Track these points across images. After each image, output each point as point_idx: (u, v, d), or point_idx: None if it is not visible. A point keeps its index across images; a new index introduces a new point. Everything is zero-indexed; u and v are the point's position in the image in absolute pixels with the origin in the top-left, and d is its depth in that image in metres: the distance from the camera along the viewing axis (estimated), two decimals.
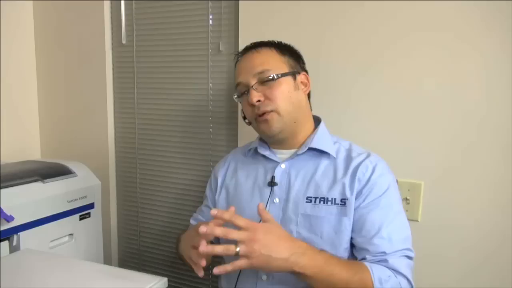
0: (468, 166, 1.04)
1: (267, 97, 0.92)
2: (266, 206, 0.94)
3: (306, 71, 1.02)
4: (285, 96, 0.93)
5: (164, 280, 0.82)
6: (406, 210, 1.09)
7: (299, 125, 0.97)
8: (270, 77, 0.92)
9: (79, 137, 1.58)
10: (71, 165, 1.30)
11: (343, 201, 0.89)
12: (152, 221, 1.52)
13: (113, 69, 1.52)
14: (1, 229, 1.01)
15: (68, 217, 1.21)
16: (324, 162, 0.94)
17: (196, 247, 0.78)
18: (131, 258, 1.59)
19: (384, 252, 0.83)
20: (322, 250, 0.81)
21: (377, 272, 0.80)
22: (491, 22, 0.99)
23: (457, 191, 1.06)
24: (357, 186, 0.89)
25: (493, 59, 0.99)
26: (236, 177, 1.03)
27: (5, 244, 1.03)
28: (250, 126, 1.02)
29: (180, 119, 1.42)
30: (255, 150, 1.02)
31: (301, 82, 0.98)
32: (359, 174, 0.89)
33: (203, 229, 0.73)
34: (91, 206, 1.30)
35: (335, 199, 0.89)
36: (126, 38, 1.48)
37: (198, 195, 1.39)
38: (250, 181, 1.00)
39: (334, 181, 0.91)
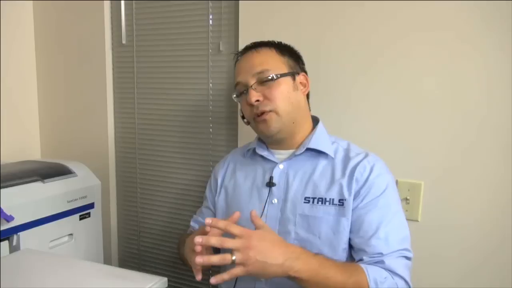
0: (468, 166, 1.04)
1: (266, 97, 0.92)
2: (265, 206, 0.94)
3: (306, 72, 1.02)
4: (284, 97, 0.93)
5: (164, 280, 0.82)
6: (406, 210, 1.09)
7: (298, 125, 0.97)
8: (269, 77, 0.92)
9: (79, 137, 1.58)
10: (71, 165, 1.30)
11: (341, 202, 0.89)
12: (152, 221, 1.52)
13: (113, 69, 1.52)
14: (1, 229, 1.01)
15: (68, 217, 1.21)
16: (322, 162, 0.94)
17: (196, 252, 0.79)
18: (131, 258, 1.59)
19: (381, 253, 0.83)
20: (317, 254, 0.81)
21: (372, 273, 0.80)
22: (491, 22, 0.99)
23: (457, 191, 1.06)
24: (355, 187, 0.89)
25: (493, 59, 0.99)
26: (235, 178, 1.03)
27: (5, 244, 1.03)
28: (250, 126, 1.02)
29: (180, 119, 1.42)
30: (254, 150, 1.02)
31: (300, 82, 0.98)
32: (357, 174, 0.89)
33: (198, 239, 0.73)
34: (91, 206, 1.30)
35: (333, 199, 0.89)
36: (126, 38, 1.48)
37: (198, 195, 1.39)
38: (249, 182, 1.00)
39: (332, 181, 0.91)
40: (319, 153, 0.95)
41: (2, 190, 1.04)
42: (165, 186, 1.48)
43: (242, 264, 0.72)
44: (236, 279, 0.92)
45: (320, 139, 0.96)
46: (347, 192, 0.89)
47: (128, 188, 1.56)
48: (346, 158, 0.93)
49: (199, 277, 0.81)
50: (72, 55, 1.56)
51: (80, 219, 1.26)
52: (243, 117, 1.02)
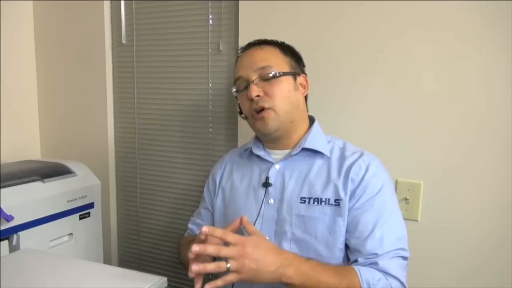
0: (468, 166, 1.04)
1: (266, 94, 0.93)
2: (261, 207, 0.94)
3: (305, 74, 1.02)
4: (284, 95, 0.93)
5: (164, 280, 0.82)
6: (406, 210, 1.09)
7: (295, 125, 0.97)
8: (271, 74, 0.93)
9: (79, 137, 1.58)
10: (71, 165, 1.30)
11: (337, 202, 0.88)
12: (152, 221, 1.52)
13: (113, 69, 1.52)
14: (1, 228, 1.01)
15: (67, 217, 1.21)
16: (318, 162, 0.94)
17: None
18: (131, 258, 1.59)
19: (376, 254, 0.83)
20: (309, 259, 0.81)
21: (365, 275, 0.80)
22: (491, 22, 0.99)
23: (457, 191, 1.06)
24: (350, 187, 0.89)
25: (493, 59, 0.99)
26: (232, 179, 1.04)
27: (5, 243, 1.03)
28: (247, 123, 1.01)
29: (180, 119, 1.42)
30: (251, 151, 1.02)
31: (300, 84, 0.99)
32: (352, 174, 0.89)
33: (196, 248, 0.74)
34: (91, 205, 1.30)
35: (329, 199, 0.89)
36: (126, 38, 1.48)
37: (198, 195, 1.38)
38: (245, 183, 1.00)
39: (328, 181, 0.91)
40: (315, 152, 0.95)
41: (2, 190, 1.04)
42: (165, 186, 1.48)
43: (236, 271, 0.73)
44: (233, 285, 0.93)
45: (316, 139, 0.96)
46: (342, 192, 0.89)
47: (128, 188, 1.56)
48: (342, 158, 0.93)
49: (198, 286, 0.81)
50: (72, 55, 1.56)
51: (80, 219, 1.26)
52: (240, 112, 1.02)
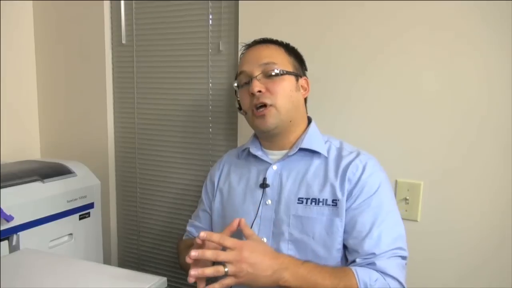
0: (468, 166, 1.04)
1: (268, 90, 0.93)
2: (259, 208, 0.94)
3: (307, 77, 1.02)
4: (286, 93, 0.93)
5: (164, 280, 0.83)
6: (405, 210, 1.09)
7: (294, 125, 0.97)
8: (275, 72, 0.93)
9: (79, 137, 1.58)
10: (70, 165, 1.30)
11: (335, 202, 0.89)
12: (152, 221, 1.52)
13: (113, 69, 1.52)
14: (1, 229, 1.01)
15: (67, 217, 1.21)
16: (316, 162, 0.94)
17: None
18: (131, 258, 1.59)
19: (374, 254, 0.83)
20: (306, 261, 0.82)
21: (362, 276, 0.80)
22: (491, 22, 0.99)
23: (457, 191, 1.05)
24: (347, 187, 0.89)
25: (493, 59, 0.99)
26: (229, 180, 1.04)
27: (4, 244, 1.03)
28: (246, 119, 1.01)
29: (180, 119, 1.42)
30: (248, 151, 1.02)
31: (302, 85, 0.99)
32: (349, 174, 0.89)
33: (194, 253, 0.75)
34: (91, 206, 1.30)
35: (326, 199, 0.89)
36: (126, 38, 1.48)
37: (198, 195, 1.37)
38: (243, 184, 1.00)
39: (325, 181, 0.91)
40: (313, 152, 0.95)
41: (2, 190, 1.04)
42: (164, 186, 1.48)
43: (234, 275, 0.74)
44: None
45: (313, 139, 0.96)
46: (340, 192, 0.89)
47: (127, 188, 1.56)
48: (339, 157, 0.93)
49: (201, 287, 0.81)
50: (72, 55, 1.56)
51: (80, 219, 1.26)
52: (239, 108, 1.02)
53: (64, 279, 0.83)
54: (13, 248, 1.05)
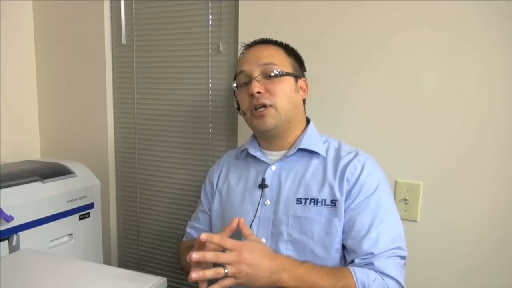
0: (468, 167, 1.04)
1: (267, 91, 0.93)
2: (257, 208, 0.94)
3: (306, 79, 1.03)
4: (285, 94, 0.93)
5: (164, 280, 0.83)
6: (405, 211, 1.09)
7: (293, 125, 0.97)
8: (274, 73, 0.93)
9: (79, 137, 1.58)
10: (70, 165, 1.30)
11: (333, 202, 0.89)
12: (151, 221, 1.52)
13: (112, 69, 1.52)
14: (1, 229, 1.01)
15: (67, 217, 1.21)
16: (314, 163, 0.94)
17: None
18: (131, 258, 1.59)
19: (372, 254, 0.83)
20: (304, 262, 0.82)
21: (360, 276, 0.80)
22: (491, 22, 0.99)
23: (457, 191, 1.05)
24: (346, 187, 0.89)
25: (493, 59, 0.99)
26: (228, 181, 1.04)
27: (4, 244, 1.03)
28: (244, 119, 1.01)
29: (180, 119, 1.42)
30: (247, 152, 1.02)
31: (301, 87, 1.00)
32: (347, 174, 0.89)
33: (196, 256, 0.75)
34: (91, 206, 1.30)
35: (325, 200, 0.89)
36: (126, 38, 1.48)
37: (198, 195, 1.37)
38: (242, 184, 1.00)
39: (324, 182, 0.91)
40: (311, 153, 0.95)
41: (2, 190, 1.04)
42: (164, 186, 1.48)
43: (233, 276, 0.75)
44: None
45: (311, 139, 0.96)
46: (338, 192, 0.89)
47: (127, 188, 1.56)
48: (337, 158, 0.93)
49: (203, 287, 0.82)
50: (72, 55, 1.56)
51: (80, 219, 1.26)
52: (238, 108, 1.02)
53: (64, 279, 0.83)
54: (13, 248, 1.05)
